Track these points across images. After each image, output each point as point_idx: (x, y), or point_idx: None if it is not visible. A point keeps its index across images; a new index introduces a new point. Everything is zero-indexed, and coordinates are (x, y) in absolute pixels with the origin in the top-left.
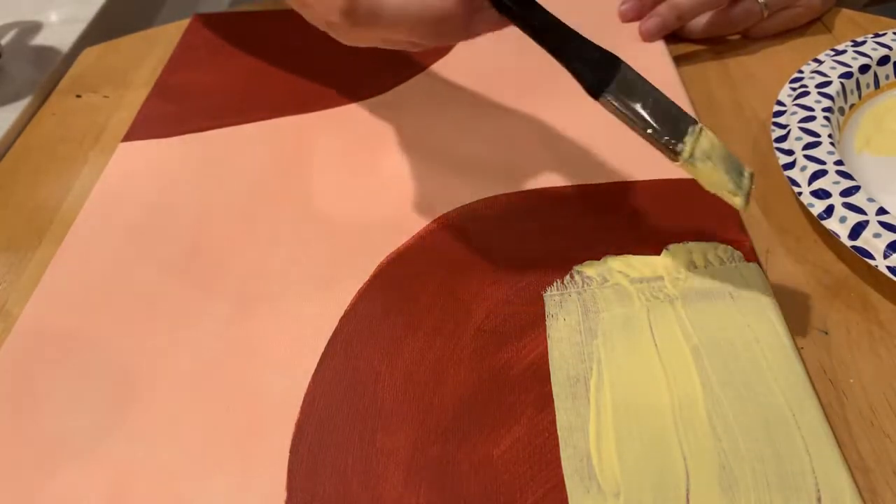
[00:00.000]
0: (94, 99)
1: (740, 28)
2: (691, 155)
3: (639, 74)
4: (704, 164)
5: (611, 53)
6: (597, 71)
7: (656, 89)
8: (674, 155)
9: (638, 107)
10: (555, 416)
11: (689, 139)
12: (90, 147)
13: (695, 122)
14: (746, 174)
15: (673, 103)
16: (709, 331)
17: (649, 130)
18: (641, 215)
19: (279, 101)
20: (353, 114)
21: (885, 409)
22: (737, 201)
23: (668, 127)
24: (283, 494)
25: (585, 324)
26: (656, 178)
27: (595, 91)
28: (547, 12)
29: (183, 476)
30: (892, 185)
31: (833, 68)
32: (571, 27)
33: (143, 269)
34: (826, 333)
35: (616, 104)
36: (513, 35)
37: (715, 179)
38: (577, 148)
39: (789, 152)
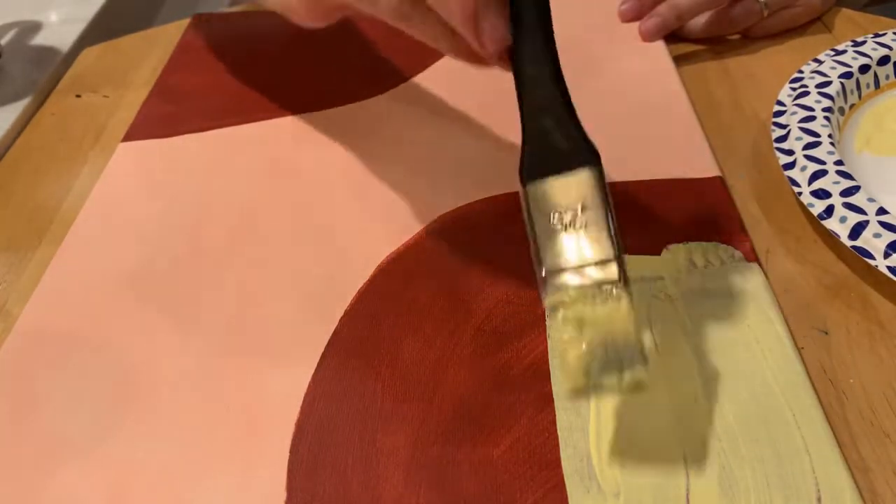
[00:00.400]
0: (93, 99)
1: (740, 28)
2: (556, 307)
3: (604, 198)
4: (564, 326)
5: (591, 151)
6: (543, 158)
7: (605, 213)
8: (542, 295)
9: (548, 221)
10: (555, 416)
11: (565, 294)
12: (90, 147)
13: (617, 283)
14: (625, 378)
15: (609, 248)
16: (709, 331)
17: (534, 255)
18: (641, 215)
19: (279, 102)
20: (352, 114)
21: (885, 409)
22: (565, 387)
23: (554, 265)
24: (283, 494)
25: None
26: (656, 178)
27: (523, 175)
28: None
29: (183, 476)
30: (893, 185)
31: (833, 68)
32: (567, 91)
33: (143, 269)
34: (826, 333)
35: (525, 203)
36: None
37: (561, 346)
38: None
39: (789, 152)
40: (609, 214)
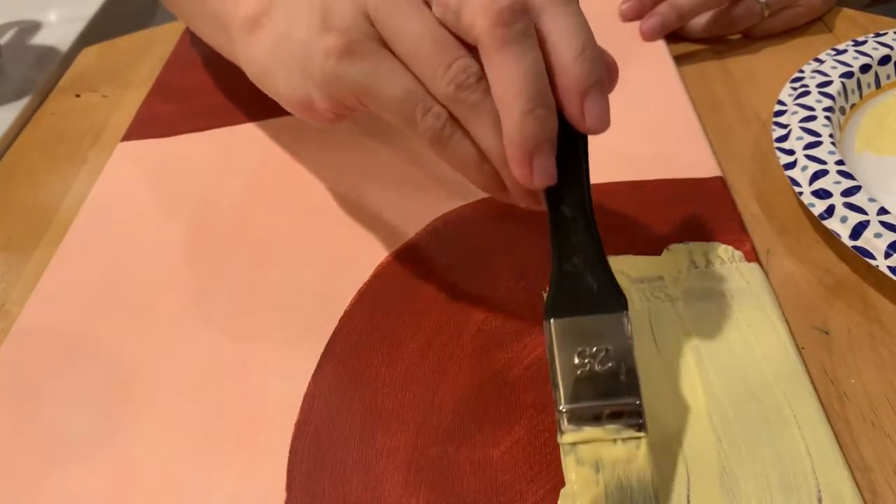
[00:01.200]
0: (93, 98)
1: (741, 27)
2: (574, 444)
3: (629, 343)
4: (580, 466)
5: (620, 296)
6: (574, 297)
7: (631, 357)
8: (559, 431)
9: (572, 359)
10: (555, 416)
11: (579, 434)
12: (90, 147)
13: (637, 428)
14: None
15: (632, 393)
16: (709, 331)
17: (554, 390)
18: (642, 215)
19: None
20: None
21: (886, 410)
22: None
23: (574, 402)
24: (283, 495)
25: None
26: (657, 178)
27: (548, 312)
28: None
29: (183, 476)
30: (894, 185)
31: (834, 68)
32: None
33: (143, 268)
34: (827, 333)
35: (549, 338)
36: None
37: (575, 487)
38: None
39: (790, 152)
40: (633, 359)
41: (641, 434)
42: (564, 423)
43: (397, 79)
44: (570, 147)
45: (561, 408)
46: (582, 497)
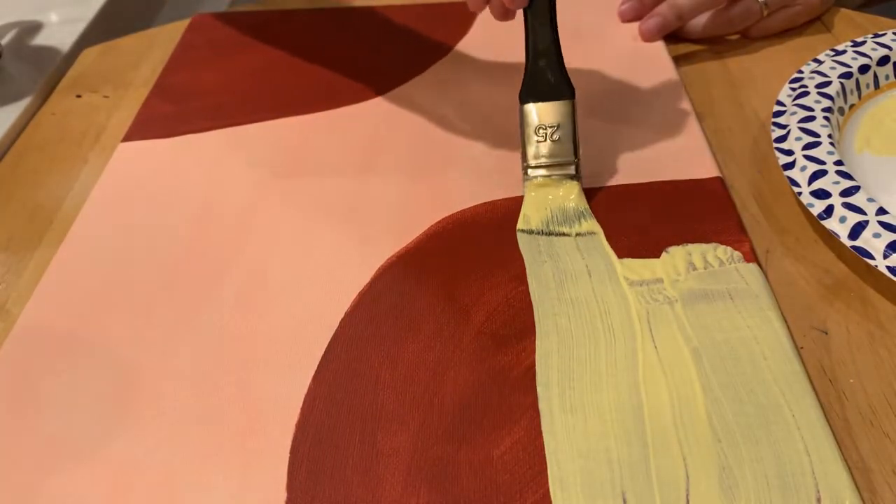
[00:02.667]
0: (93, 99)
1: (740, 27)
2: (528, 189)
3: (572, 121)
4: (535, 195)
5: (569, 88)
6: (536, 86)
7: (571, 133)
8: (524, 179)
9: (533, 131)
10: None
11: (536, 179)
12: (90, 147)
13: (573, 176)
14: (574, 228)
15: (571, 153)
16: (708, 332)
17: (522, 153)
18: (640, 217)
19: (279, 102)
20: (353, 115)
21: (884, 409)
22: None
23: (533, 160)
24: (284, 495)
25: None
26: (656, 179)
27: (521, 97)
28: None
29: (183, 476)
30: (892, 185)
31: (833, 68)
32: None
33: (144, 268)
34: (826, 333)
35: (521, 116)
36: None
37: (530, 211)
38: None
39: (789, 152)
40: (574, 132)
41: (575, 181)
42: (526, 174)
43: None
44: None
45: (524, 163)
46: (534, 216)
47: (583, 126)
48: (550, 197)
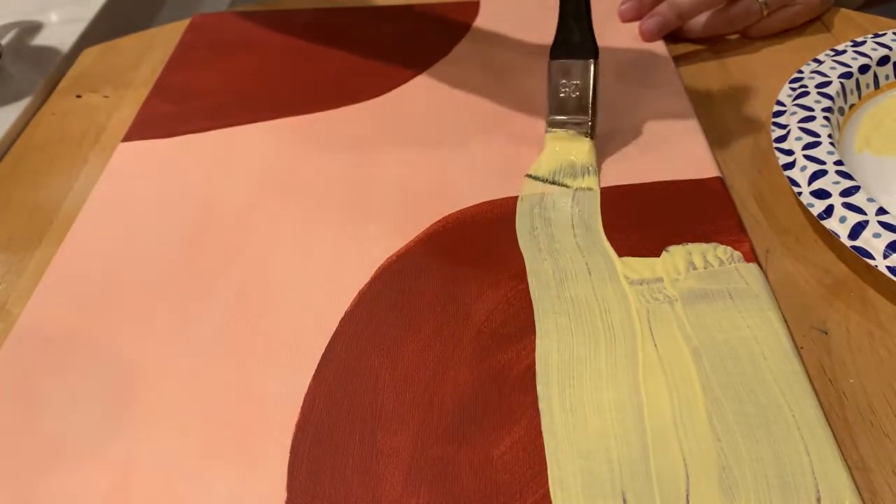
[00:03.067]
0: (94, 99)
1: (740, 27)
2: (550, 136)
3: (592, 81)
4: (551, 147)
5: (593, 50)
6: (567, 47)
7: (589, 91)
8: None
9: (558, 86)
10: None
11: (554, 132)
12: (90, 147)
13: (587, 133)
14: (576, 183)
15: (588, 110)
16: (708, 332)
17: (548, 107)
18: (641, 217)
19: (279, 102)
20: (353, 115)
21: (884, 409)
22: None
23: (554, 114)
24: (284, 495)
25: None
26: (656, 179)
27: (551, 55)
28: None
29: (183, 476)
30: (892, 185)
31: (833, 68)
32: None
33: (144, 268)
34: (826, 333)
35: (549, 73)
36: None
37: (544, 159)
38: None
39: (789, 152)
40: (593, 91)
41: (588, 138)
42: (547, 127)
43: None
44: None
45: (548, 118)
46: (545, 165)
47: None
48: (560, 149)
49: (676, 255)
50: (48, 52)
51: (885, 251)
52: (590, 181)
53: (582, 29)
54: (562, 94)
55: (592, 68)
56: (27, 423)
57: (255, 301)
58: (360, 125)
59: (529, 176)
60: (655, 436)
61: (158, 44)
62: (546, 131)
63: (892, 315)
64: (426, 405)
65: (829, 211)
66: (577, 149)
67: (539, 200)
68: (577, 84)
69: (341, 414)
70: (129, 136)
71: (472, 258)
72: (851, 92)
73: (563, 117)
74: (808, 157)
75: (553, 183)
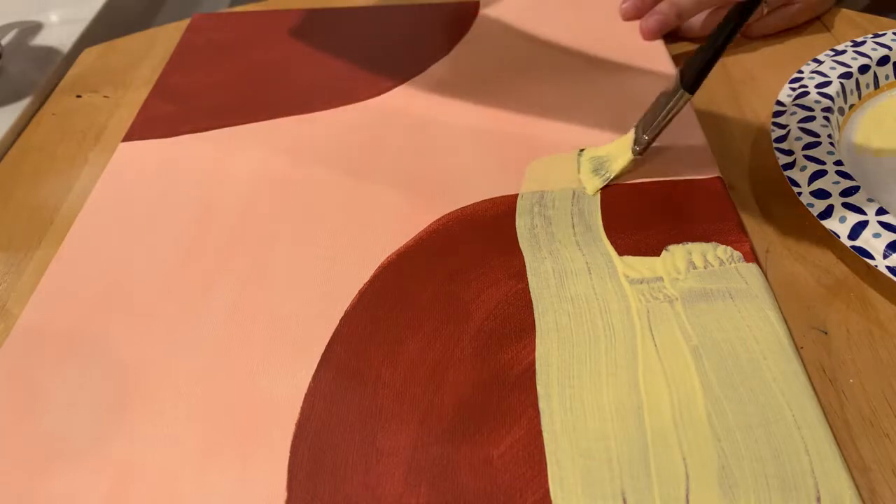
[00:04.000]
0: (94, 99)
1: None
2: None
3: (667, 114)
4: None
5: (691, 81)
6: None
7: (658, 114)
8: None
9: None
10: None
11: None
12: (90, 147)
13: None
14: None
15: (642, 137)
16: (708, 331)
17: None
18: (640, 216)
19: (279, 102)
20: (352, 114)
21: (884, 409)
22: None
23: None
24: (283, 494)
25: None
26: (656, 178)
27: (683, 84)
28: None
29: (183, 476)
30: (892, 185)
31: (833, 68)
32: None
33: (144, 268)
34: (826, 333)
35: (669, 99)
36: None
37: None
38: (577, 150)
39: (789, 152)
40: (660, 118)
41: (630, 155)
42: (636, 143)
43: None
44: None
45: (642, 129)
46: (589, 156)
47: (583, 128)
48: (604, 154)
49: (676, 255)
50: (48, 52)
51: (885, 251)
52: (595, 182)
53: (701, 60)
54: (650, 117)
55: (674, 97)
56: (27, 423)
57: (254, 300)
58: (360, 125)
59: (581, 151)
60: (655, 436)
61: (158, 44)
62: (634, 148)
63: (892, 315)
64: (426, 405)
65: (828, 211)
66: (618, 155)
67: (539, 199)
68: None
69: (341, 413)
70: (129, 136)
71: (471, 257)
72: (851, 92)
73: (638, 136)
74: (808, 157)
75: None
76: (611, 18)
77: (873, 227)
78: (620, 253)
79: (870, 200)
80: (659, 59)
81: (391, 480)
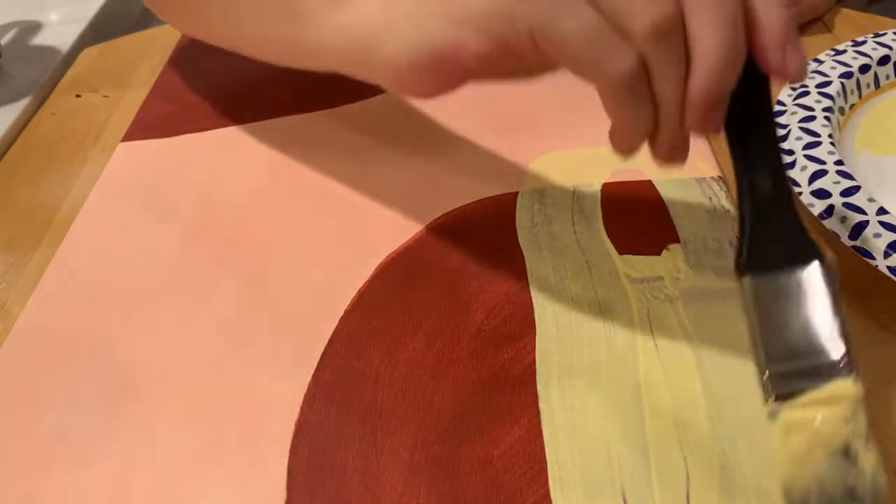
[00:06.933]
0: (94, 99)
1: None
2: (779, 418)
3: (833, 301)
4: (790, 436)
5: (815, 249)
6: (767, 247)
7: (836, 323)
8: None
9: (764, 323)
10: None
11: (796, 403)
12: (90, 147)
13: (847, 380)
14: (865, 489)
15: (837, 357)
16: (709, 330)
17: (755, 355)
18: (641, 215)
19: (279, 101)
20: (352, 114)
21: (885, 410)
22: None
23: (780, 368)
24: (283, 494)
25: None
26: (656, 178)
27: (742, 267)
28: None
29: (183, 476)
30: (893, 185)
31: (833, 68)
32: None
33: (143, 268)
34: None
35: (746, 295)
36: None
37: (791, 463)
38: (578, 148)
39: (790, 152)
40: (841, 316)
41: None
42: (765, 396)
43: (583, 13)
44: (754, 90)
45: (763, 380)
46: (785, 454)
47: (583, 127)
48: (811, 436)
49: (677, 254)
50: (48, 52)
51: (885, 251)
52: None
53: (786, 216)
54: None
55: (826, 276)
56: (27, 423)
57: (254, 300)
58: (359, 123)
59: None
60: (655, 436)
61: (159, 44)
62: (771, 412)
63: (892, 315)
64: (426, 404)
65: (829, 211)
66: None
67: (539, 197)
68: (807, 305)
69: (341, 413)
70: (129, 136)
71: (471, 256)
72: (852, 92)
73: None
74: (808, 157)
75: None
76: None
77: (874, 226)
78: (621, 252)
79: (870, 200)
80: None
81: (391, 480)
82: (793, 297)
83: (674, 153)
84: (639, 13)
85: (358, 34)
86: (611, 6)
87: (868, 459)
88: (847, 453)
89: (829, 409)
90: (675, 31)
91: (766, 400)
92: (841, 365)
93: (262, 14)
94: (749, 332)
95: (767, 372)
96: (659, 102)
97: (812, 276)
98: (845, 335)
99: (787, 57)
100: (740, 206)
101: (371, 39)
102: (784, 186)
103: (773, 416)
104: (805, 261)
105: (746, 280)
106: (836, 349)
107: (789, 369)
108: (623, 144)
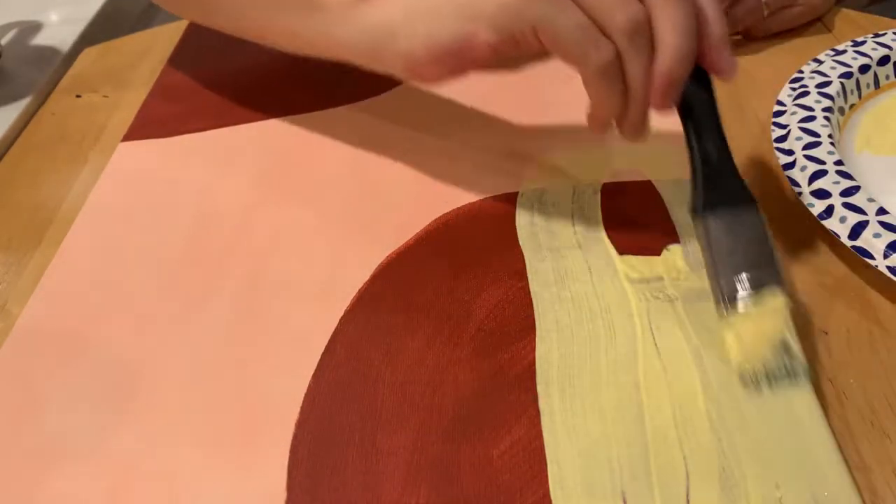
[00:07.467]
0: (94, 99)
1: (741, 27)
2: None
3: (764, 233)
4: (742, 334)
5: (750, 197)
6: (715, 196)
7: (767, 249)
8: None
9: (716, 250)
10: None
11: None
12: (90, 147)
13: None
14: (798, 367)
15: (769, 269)
16: (709, 331)
17: (710, 278)
18: (641, 215)
19: (279, 102)
20: (352, 114)
21: (885, 409)
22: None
23: (729, 282)
24: (283, 494)
25: None
26: (656, 178)
27: (698, 213)
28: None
29: (183, 476)
30: (893, 185)
31: (833, 68)
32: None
33: (144, 269)
34: (826, 333)
35: (702, 233)
36: None
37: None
38: (577, 148)
39: (789, 152)
40: (772, 248)
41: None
42: (725, 307)
43: (574, 14)
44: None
45: (723, 294)
46: (747, 355)
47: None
48: (755, 330)
49: (677, 255)
50: (48, 52)
51: (885, 251)
52: (797, 365)
53: (728, 173)
54: (723, 257)
55: (763, 223)
56: (27, 423)
57: (254, 300)
58: (359, 124)
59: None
60: (656, 436)
61: (159, 44)
62: (727, 312)
63: (892, 315)
64: (426, 404)
65: (829, 211)
66: (774, 325)
67: (539, 197)
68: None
69: (341, 413)
70: (129, 136)
71: (471, 256)
72: (852, 92)
73: (741, 293)
74: (808, 157)
75: (768, 379)
76: None
77: (873, 227)
78: (621, 252)
79: (870, 200)
80: None
81: (391, 480)
82: (736, 232)
83: (638, 128)
84: (616, 14)
85: (377, 29)
86: (593, 7)
87: (798, 347)
88: (784, 343)
89: (769, 314)
90: (644, 29)
91: (723, 309)
92: (773, 276)
93: (277, 5)
94: (705, 263)
95: (721, 285)
96: (629, 85)
97: (749, 217)
98: (776, 257)
99: (722, 57)
100: (693, 168)
101: (388, 33)
102: (726, 152)
103: (728, 321)
104: (744, 206)
105: (702, 221)
106: (768, 265)
107: (736, 281)
108: (598, 121)
